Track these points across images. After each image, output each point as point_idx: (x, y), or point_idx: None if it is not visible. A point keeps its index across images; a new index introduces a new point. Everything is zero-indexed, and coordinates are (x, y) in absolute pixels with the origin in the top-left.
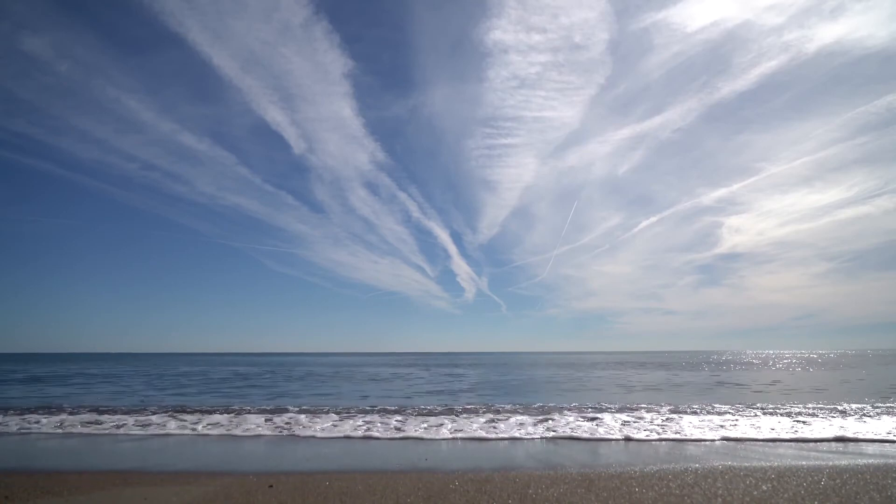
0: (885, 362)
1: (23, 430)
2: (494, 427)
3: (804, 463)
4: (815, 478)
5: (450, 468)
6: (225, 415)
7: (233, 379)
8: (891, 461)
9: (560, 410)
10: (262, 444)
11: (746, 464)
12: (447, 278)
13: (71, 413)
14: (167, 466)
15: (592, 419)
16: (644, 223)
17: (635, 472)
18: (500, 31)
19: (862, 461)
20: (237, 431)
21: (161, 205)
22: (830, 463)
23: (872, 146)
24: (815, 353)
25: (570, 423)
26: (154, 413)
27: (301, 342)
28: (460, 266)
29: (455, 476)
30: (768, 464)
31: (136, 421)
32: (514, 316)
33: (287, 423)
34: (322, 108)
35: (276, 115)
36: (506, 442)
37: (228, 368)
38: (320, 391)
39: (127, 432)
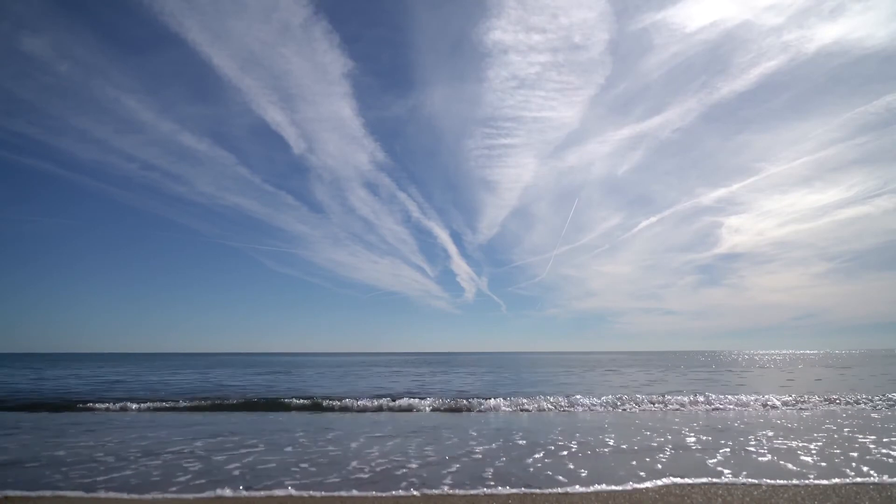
0: None
1: None
2: None
3: None
4: None
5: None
6: None
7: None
8: None
9: None
10: None
11: None
12: (447, 278)
13: None
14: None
15: None
16: (644, 223)
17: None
18: (500, 32)
19: None
20: None
21: (161, 205)
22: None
23: (872, 146)
24: (823, 353)
25: None
26: None
27: (301, 342)
28: (460, 266)
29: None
30: None
31: None
32: (514, 316)
33: None
34: (322, 108)
35: (275, 116)
36: None
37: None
38: None
39: None
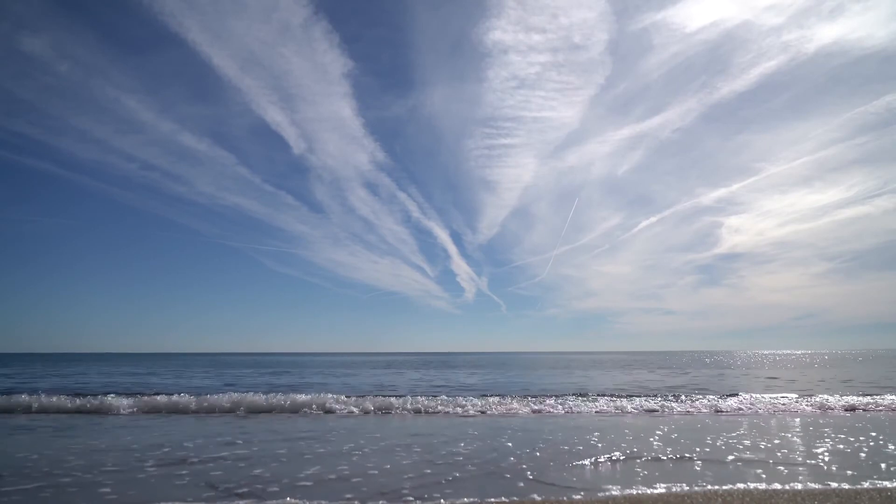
0: None
1: None
2: None
3: None
4: None
5: None
6: None
7: None
8: None
9: None
10: None
11: None
12: (447, 278)
13: None
14: None
15: None
16: (644, 223)
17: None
18: (500, 32)
19: None
20: None
21: (161, 205)
22: None
23: (872, 146)
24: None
25: None
26: None
27: (301, 342)
28: (460, 266)
29: None
30: None
31: None
32: (513, 316)
33: None
34: (322, 108)
35: (275, 115)
36: None
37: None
38: None
39: None
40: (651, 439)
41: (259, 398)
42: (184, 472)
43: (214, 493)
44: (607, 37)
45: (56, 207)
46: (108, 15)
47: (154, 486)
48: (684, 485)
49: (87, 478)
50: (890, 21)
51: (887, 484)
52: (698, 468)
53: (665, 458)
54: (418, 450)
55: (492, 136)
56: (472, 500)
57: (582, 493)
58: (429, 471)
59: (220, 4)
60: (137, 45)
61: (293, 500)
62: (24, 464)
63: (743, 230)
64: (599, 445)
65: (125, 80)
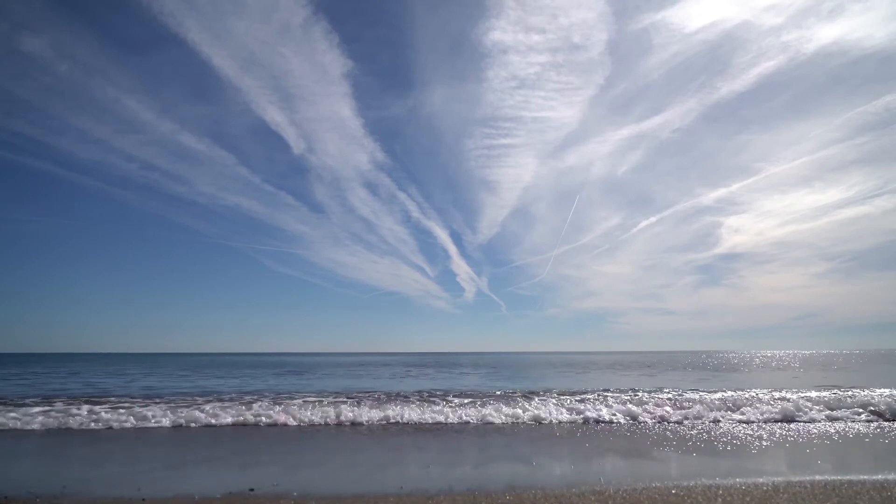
0: None
1: None
2: None
3: None
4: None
5: None
6: None
7: None
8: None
9: None
10: None
11: None
12: (447, 278)
13: None
14: None
15: None
16: (644, 223)
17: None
18: (500, 32)
19: None
20: None
21: (161, 205)
22: None
23: (872, 146)
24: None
25: None
26: None
27: (301, 342)
28: (460, 266)
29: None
30: None
31: None
32: (513, 316)
33: None
34: (321, 108)
35: (275, 116)
36: None
37: None
38: None
39: None
40: None
41: None
42: None
43: None
44: (607, 37)
45: (56, 207)
46: (108, 15)
47: None
48: (686, 479)
49: None
50: (889, 21)
51: (886, 479)
52: None
53: None
54: None
55: (492, 136)
56: (467, 490)
57: (581, 488)
58: None
59: (220, 4)
60: (137, 45)
61: None
62: None
63: (743, 230)
64: None
65: (125, 80)
